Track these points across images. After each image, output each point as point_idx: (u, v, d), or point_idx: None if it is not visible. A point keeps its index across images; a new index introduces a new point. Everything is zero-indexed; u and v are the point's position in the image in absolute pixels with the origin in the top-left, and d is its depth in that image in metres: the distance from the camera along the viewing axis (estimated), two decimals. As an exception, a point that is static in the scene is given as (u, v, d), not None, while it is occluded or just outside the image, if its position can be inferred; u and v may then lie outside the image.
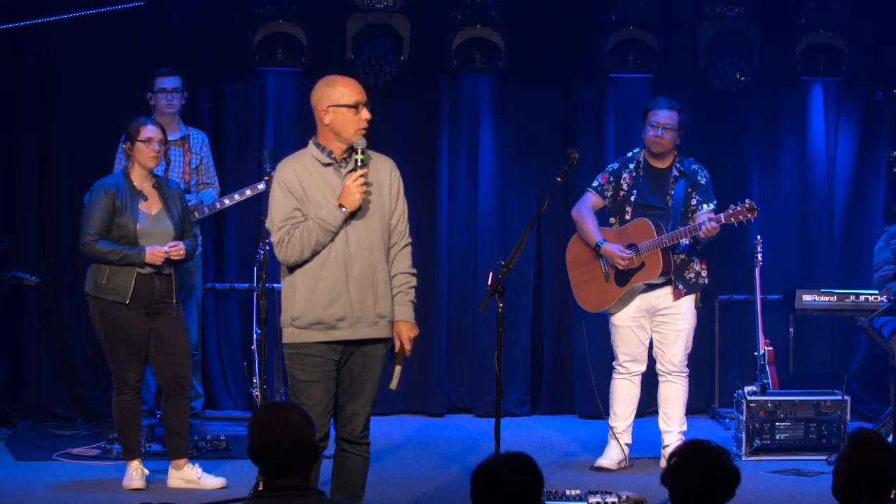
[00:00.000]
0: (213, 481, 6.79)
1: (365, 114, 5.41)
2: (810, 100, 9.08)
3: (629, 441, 7.34)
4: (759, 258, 7.98)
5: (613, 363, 7.36)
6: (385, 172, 5.48)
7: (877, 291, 7.99)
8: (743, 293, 8.76)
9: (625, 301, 7.24)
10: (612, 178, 7.26)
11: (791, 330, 8.71)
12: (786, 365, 8.61)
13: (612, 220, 7.32)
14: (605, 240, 7.19)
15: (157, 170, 6.82)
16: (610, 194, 7.26)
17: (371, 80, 8.41)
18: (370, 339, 5.40)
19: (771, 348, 8.05)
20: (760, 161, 9.11)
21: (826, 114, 9.09)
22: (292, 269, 5.37)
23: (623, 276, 7.18)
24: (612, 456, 7.30)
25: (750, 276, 8.13)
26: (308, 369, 5.35)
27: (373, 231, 5.37)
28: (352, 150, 5.39)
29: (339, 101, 5.38)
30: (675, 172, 7.24)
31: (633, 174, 7.23)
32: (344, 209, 5.29)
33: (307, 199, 5.33)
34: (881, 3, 8.82)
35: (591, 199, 7.30)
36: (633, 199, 7.20)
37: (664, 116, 7.18)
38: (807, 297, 8.51)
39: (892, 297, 7.64)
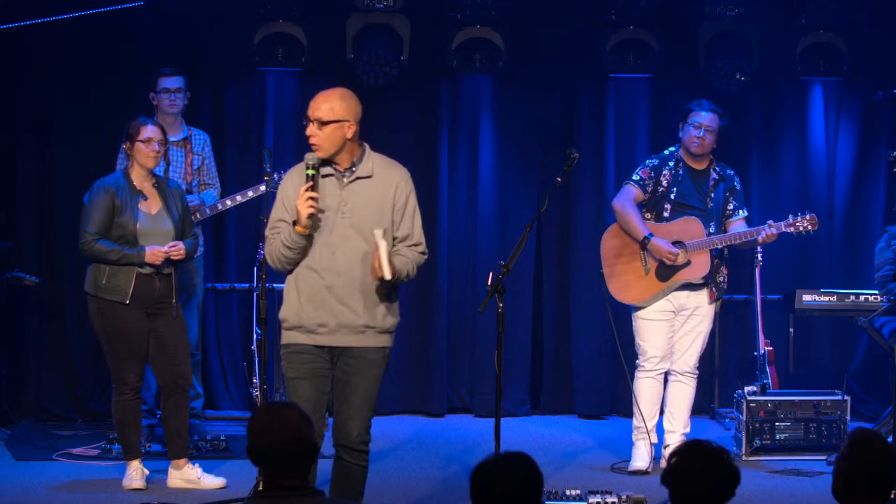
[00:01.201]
0: (213, 481, 6.79)
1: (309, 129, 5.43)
2: (810, 100, 9.08)
3: (655, 440, 7.25)
4: (759, 258, 7.98)
5: (638, 361, 7.27)
6: (390, 185, 5.46)
7: (877, 291, 7.99)
8: (743, 293, 8.75)
9: (658, 296, 7.21)
10: (652, 174, 7.20)
11: (791, 330, 8.71)
12: (786, 365, 8.61)
13: (647, 215, 7.25)
14: (652, 234, 7.14)
15: (157, 170, 6.82)
16: (650, 189, 7.21)
17: (371, 80, 8.41)
18: (365, 346, 5.41)
19: (771, 348, 8.05)
20: (760, 161, 9.11)
21: (826, 114, 9.09)
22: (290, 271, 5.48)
23: (666, 272, 7.13)
24: (643, 457, 7.18)
25: (750, 276, 8.13)
26: (296, 366, 5.44)
27: (370, 242, 5.35)
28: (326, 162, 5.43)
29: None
30: (715, 175, 7.27)
31: (673, 172, 7.20)
32: (296, 226, 5.33)
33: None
34: (881, 3, 8.82)
35: (634, 192, 7.21)
36: (672, 196, 7.17)
37: (707, 118, 7.17)
38: (807, 297, 8.51)
39: (892, 297, 7.64)
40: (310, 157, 5.37)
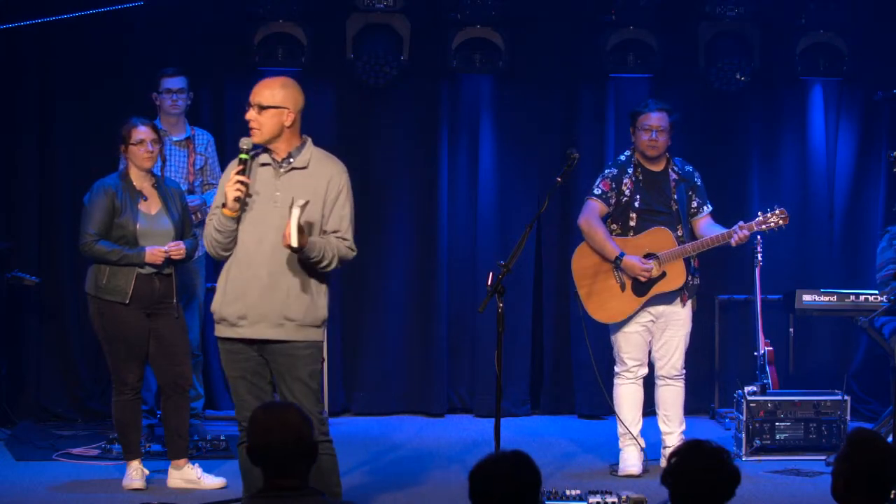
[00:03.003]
0: (212, 481, 6.79)
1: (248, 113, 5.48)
2: (810, 100, 9.08)
3: (643, 444, 7.22)
4: (759, 258, 7.97)
5: (617, 369, 7.23)
6: (322, 179, 5.45)
7: (878, 291, 7.99)
8: (743, 293, 8.75)
9: (637, 311, 7.11)
10: (613, 185, 7.07)
11: (791, 330, 8.70)
12: (786, 365, 8.61)
13: (613, 226, 7.14)
14: (624, 253, 7.01)
15: (155, 169, 6.82)
16: (613, 201, 7.09)
17: (371, 80, 8.41)
18: (286, 340, 5.41)
19: (771, 348, 8.05)
20: (760, 161, 9.11)
21: (826, 114, 9.09)
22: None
23: (643, 287, 7.04)
24: (635, 462, 7.14)
25: (750, 276, 8.12)
26: (231, 365, 5.51)
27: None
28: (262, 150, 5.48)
29: None
30: (674, 175, 7.17)
31: (633, 179, 7.09)
32: (224, 208, 5.37)
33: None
34: (881, 3, 8.82)
35: (597, 208, 7.07)
36: (636, 205, 7.06)
37: (656, 119, 7.06)
38: (807, 297, 8.50)
39: (892, 297, 7.64)
40: (244, 142, 5.45)
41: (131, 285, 6.61)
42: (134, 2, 7.80)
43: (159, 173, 6.87)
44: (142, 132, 6.71)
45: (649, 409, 7.51)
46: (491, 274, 5.72)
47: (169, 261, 6.68)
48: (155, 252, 6.62)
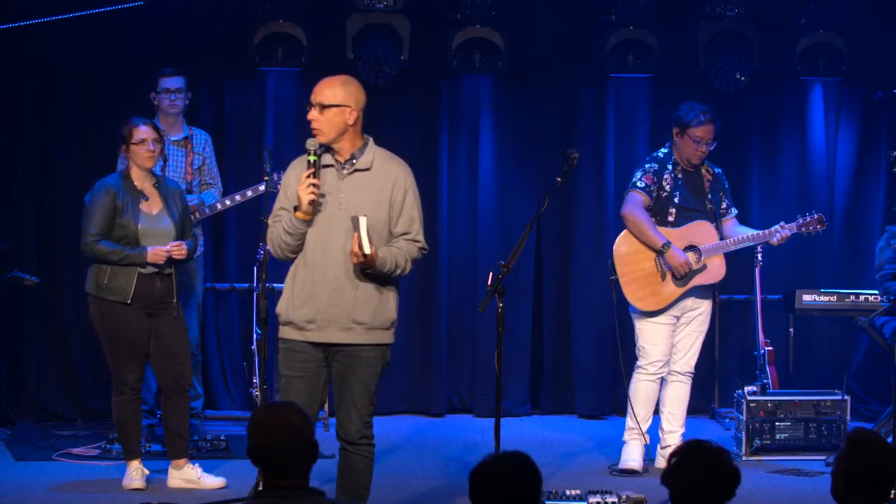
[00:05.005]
0: (213, 481, 6.79)
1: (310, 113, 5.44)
2: (810, 100, 9.08)
3: (647, 440, 7.24)
4: (759, 258, 7.98)
5: (640, 362, 7.25)
6: (388, 179, 5.44)
7: (877, 291, 7.99)
8: (743, 293, 8.76)
9: (676, 301, 7.20)
10: (655, 179, 7.20)
11: (791, 330, 8.70)
12: (786, 365, 8.61)
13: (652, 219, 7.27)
14: (670, 242, 7.13)
15: (155, 169, 6.82)
16: (655, 195, 7.21)
17: (371, 80, 8.41)
18: (355, 343, 5.39)
19: (771, 348, 8.05)
20: (760, 161, 9.11)
21: (826, 114, 9.09)
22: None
23: (683, 276, 7.16)
24: (637, 458, 7.18)
25: (750, 276, 8.12)
26: (290, 364, 5.46)
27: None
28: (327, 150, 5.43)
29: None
30: (708, 176, 7.32)
31: (674, 176, 7.21)
32: (297, 211, 5.33)
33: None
34: (881, 3, 8.82)
35: (641, 200, 7.17)
36: (676, 201, 7.19)
37: (707, 131, 7.18)
38: (807, 297, 8.50)
39: (892, 297, 7.65)
40: (310, 143, 5.38)
41: (133, 285, 6.61)
42: (134, 2, 7.79)
43: (160, 173, 6.87)
44: (143, 131, 6.71)
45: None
46: (491, 274, 5.72)
47: (170, 260, 6.68)
48: (157, 252, 6.62)
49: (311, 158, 5.34)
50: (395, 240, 5.43)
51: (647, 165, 7.27)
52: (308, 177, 5.31)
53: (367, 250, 5.20)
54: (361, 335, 5.39)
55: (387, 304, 5.44)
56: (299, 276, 5.42)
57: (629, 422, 7.22)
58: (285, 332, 5.47)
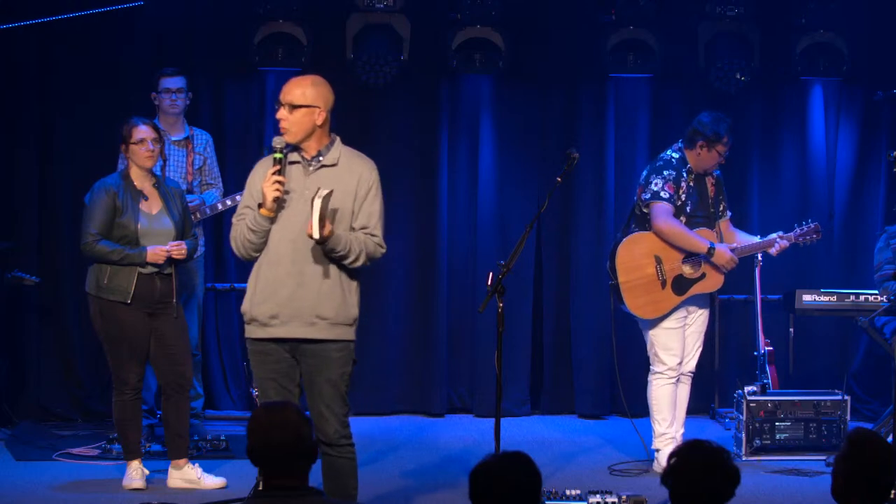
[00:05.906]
0: (213, 481, 6.79)
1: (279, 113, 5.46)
2: (810, 100, 9.08)
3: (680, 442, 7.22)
4: (759, 258, 7.97)
5: (657, 368, 7.23)
6: (352, 177, 5.45)
7: (877, 291, 7.99)
8: (743, 293, 8.75)
9: (674, 309, 7.20)
10: (675, 187, 7.19)
11: (791, 330, 8.70)
12: (786, 365, 8.60)
13: None
14: (714, 243, 7.17)
15: (156, 168, 6.82)
16: (677, 204, 7.21)
17: (371, 80, 8.41)
18: (319, 339, 5.39)
19: (771, 348, 8.05)
20: (760, 161, 9.11)
21: (826, 114, 9.09)
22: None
23: (682, 286, 7.16)
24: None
25: (750, 276, 8.12)
26: (260, 367, 5.51)
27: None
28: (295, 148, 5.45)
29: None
30: (712, 179, 7.34)
31: (687, 183, 7.21)
32: (261, 208, 5.35)
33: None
34: (881, 3, 8.82)
35: (670, 209, 7.13)
36: (687, 209, 7.20)
37: (728, 145, 7.22)
38: (807, 297, 8.50)
39: (892, 297, 7.65)
40: (277, 141, 5.41)
41: (133, 285, 6.61)
42: (134, 2, 7.79)
43: (160, 173, 6.87)
44: (143, 131, 6.71)
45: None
46: (491, 274, 5.72)
47: (170, 260, 6.68)
48: (157, 251, 6.62)
49: (278, 156, 5.38)
50: (355, 233, 5.43)
51: (665, 173, 7.19)
52: (273, 174, 5.33)
53: (316, 234, 5.18)
54: (325, 330, 5.39)
55: (350, 300, 5.45)
56: (262, 272, 5.45)
57: (657, 428, 7.19)
58: (250, 331, 5.49)
